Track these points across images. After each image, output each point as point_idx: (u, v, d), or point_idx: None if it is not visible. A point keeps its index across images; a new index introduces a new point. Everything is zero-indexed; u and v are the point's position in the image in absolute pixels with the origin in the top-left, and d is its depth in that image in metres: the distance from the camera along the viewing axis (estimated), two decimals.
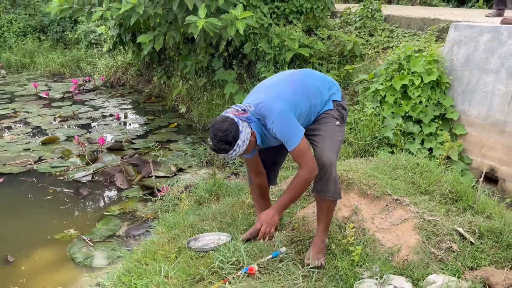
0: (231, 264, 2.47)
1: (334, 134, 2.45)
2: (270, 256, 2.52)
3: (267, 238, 2.47)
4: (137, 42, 6.75)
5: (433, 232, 2.64)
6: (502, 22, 4.84)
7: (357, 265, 2.45)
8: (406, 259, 2.49)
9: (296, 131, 2.29)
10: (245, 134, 2.26)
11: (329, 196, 2.42)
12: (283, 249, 2.60)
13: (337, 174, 2.46)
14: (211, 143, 2.30)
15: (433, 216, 2.76)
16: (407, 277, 2.34)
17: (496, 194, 4.32)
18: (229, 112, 2.32)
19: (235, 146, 2.25)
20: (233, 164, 5.18)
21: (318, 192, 2.46)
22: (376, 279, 2.28)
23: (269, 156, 2.73)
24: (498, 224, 2.75)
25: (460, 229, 2.66)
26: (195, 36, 5.66)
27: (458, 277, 2.32)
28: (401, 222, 2.74)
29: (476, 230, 2.69)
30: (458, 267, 2.41)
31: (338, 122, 2.48)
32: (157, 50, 6.87)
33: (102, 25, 9.53)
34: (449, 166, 4.20)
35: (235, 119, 2.26)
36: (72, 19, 12.86)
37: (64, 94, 9.04)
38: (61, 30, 13.05)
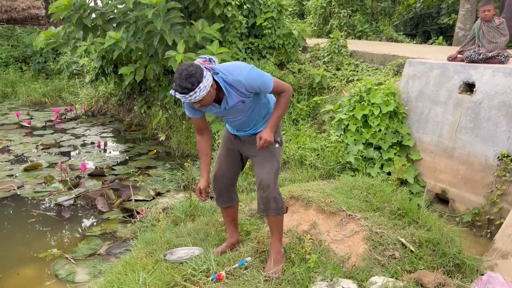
0: (202, 272, 2.79)
1: (273, 157, 2.80)
2: (237, 264, 2.86)
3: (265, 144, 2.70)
4: (119, 73, 7.15)
5: (379, 242, 3.03)
6: (449, 59, 5.43)
7: (313, 271, 2.80)
8: (355, 265, 2.86)
9: (267, 75, 2.62)
10: (207, 81, 2.42)
11: (272, 212, 2.79)
12: (249, 258, 2.94)
13: (279, 192, 2.82)
14: (175, 83, 2.41)
15: (380, 229, 3.15)
16: (354, 279, 2.71)
17: (447, 213, 4.78)
18: (196, 61, 2.55)
19: (197, 88, 2.38)
20: (209, 189, 5.52)
21: (262, 210, 2.83)
22: (327, 281, 2.64)
23: (228, 173, 3.04)
24: (436, 235, 3.16)
25: (402, 239, 3.06)
26: (174, 69, 6.08)
27: (396, 279, 2.71)
28: (352, 234, 3.13)
29: (416, 240, 3.09)
30: (397, 270, 2.80)
31: (277, 145, 2.84)
32: (138, 81, 7.27)
33: (85, 57, 9.91)
34: (403, 188, 4.64)
35: (201, 66, 2.45)
36: (55, 51, 13.22)
37: (46, 123, 9.29)
38: (44, 60, 13.37)
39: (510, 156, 4.33)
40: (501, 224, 4.11)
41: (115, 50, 6.30)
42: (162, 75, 7.64)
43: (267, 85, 2.61)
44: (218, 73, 2.51)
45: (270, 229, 2.89)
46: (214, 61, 2.57)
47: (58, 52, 13.30)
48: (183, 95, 2.41)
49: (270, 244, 3.10)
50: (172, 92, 2.48)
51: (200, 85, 2.39)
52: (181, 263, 3.00)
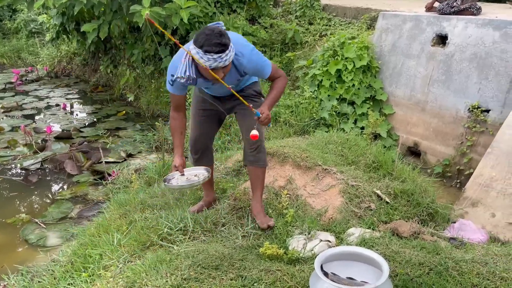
0: (178, 230, 2.74)
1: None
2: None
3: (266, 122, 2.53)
4: (82, 31, 6.75)
5: (355, 194, 3.04)
6: (426, 9, 5.37)
7: (290, 225, 2.80)
8: (332, 218, 2.88)
9: (267, 61, 2.52)
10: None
11: (262, 164, 2.75)
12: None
13: None
14: (207, 43, 2.14)
15: (356, 182, 3.16)
16: (331, 232, 2.72)
17: (419, 165, 4.86)
18: None
19: (230, 46, 2.20)
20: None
21: (252, 162, 2.76)
22: (305, 235, 2.65)
23: (206, 134, 2.91)
24: (411, 186, 3.20)
25: (378, 191, 3.09)
26: (140, 25, 5.79)
27: (373, 229, 2.74)
28: (329, 188, 3.13)
29: (392, 192, 3.12)
30: (374, 221, 2.84)
31: (262, 98, 2.77)
32: (102, 39, 6.91)
33: (44, 13, 9.31)
34: (377, 142, 4.67)
35: None
36: (11, 8, 12.37)
37: (5, 85, 8.82)
38: None
39: (480, 108, 4.39)
40: (470, 174, 4.21)
41: (76, 5, 5.92)
42: (128, 32, 7.28)
43: (265, 71, 2.50)
44: None
45: (255, 183, 2.79)
46: (221, 25, 2.37)
47: (14, 10, 12.46)
48: (220, 54, 2.15)
49: (246, 201, 3.06)
50: (198, 55, 2.16)
51: (231, 43, 2.21)
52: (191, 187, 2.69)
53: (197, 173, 2.67)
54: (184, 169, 2.62)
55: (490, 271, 2.15)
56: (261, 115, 2.44)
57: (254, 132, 2.43)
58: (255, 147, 2.71)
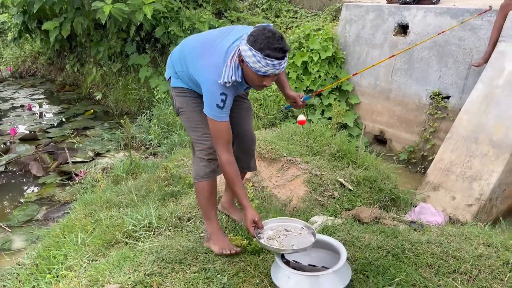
0: (143, 227, 2.73)
1: (251, 113, 2.64)
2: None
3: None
4: (43, 29, 6.60)
5: (319, 183, 3.10)
6: (388, 1, 5.47)
7: None
8: (296, 207, 2.93)
9: None
10: None
11: (254, 168, 2.67)
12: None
13: None
14: (268, 46, 1.90)
15: (320, 171, 3.22)
16: None
17: (385, 153, 4.98)
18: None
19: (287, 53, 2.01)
20: (150, 145, 5.40)
21: (244, 168, 2.58)
22: None
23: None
24: (373, 173, 3.28)
25: (341, 180, 3.16)
26: (102, 22, 5.69)
27: (335, 216, 2.80)
28: (293, 178, 3.18)
29: (355, 180, 3.20)
30: (336, 209, 2.90)
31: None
32: (66, 37, 6.76)
33: (4, 12, 9.03)
34: (343, 132, 4.76)
35: None
36: None
37: None
38: None
39: (441, 94, 4.52)
40: (433, 159, 4.35)
41: (35, 3, 5.77)
42: (93, 29, 7.13)
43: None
44: None
45: None
46: (270, 27, 2.15)
47: None
48: (279, 61, 1.93)
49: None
50: (255, 57, 1.91)
51: None
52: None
53: (285, 225, 2.22)
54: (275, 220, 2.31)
55: (444, 251, 2.23)
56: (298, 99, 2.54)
57: (303, 117, 2.73)
58: (252, 154, 2.61)
